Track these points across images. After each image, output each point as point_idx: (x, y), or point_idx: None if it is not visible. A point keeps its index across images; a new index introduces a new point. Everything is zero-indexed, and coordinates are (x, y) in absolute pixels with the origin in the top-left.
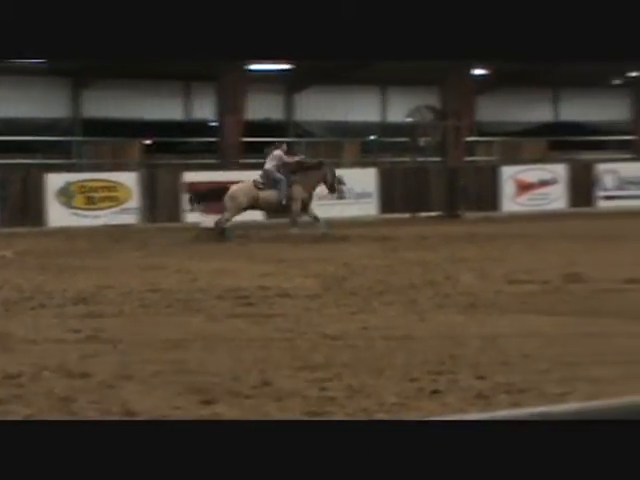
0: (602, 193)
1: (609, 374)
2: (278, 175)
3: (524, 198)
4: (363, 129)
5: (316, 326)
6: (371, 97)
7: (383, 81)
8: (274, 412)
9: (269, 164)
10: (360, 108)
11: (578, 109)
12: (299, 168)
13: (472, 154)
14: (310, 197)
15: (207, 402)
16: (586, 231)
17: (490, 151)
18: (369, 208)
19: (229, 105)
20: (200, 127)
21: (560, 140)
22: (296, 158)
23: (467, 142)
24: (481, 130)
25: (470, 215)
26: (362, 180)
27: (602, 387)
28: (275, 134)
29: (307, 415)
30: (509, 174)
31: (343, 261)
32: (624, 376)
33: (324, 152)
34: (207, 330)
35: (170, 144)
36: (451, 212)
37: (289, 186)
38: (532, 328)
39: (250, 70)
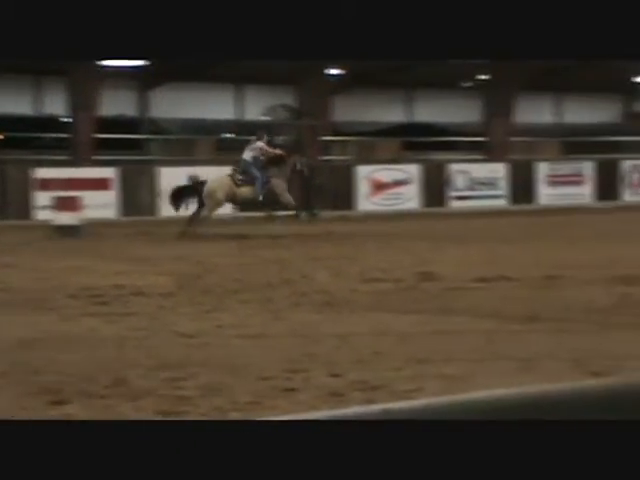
0: (454, 193)
1: (459, 371)
2: (255, 172)
3: (379, 197)
4: (219, 127)
5: (170, 325)
6: (227, 95)
7: (239, 79)
8: (128, 412)
9: (247, 154)
10: (216, 106)
11: (431, 110)
12: (280, 160)
13: (328, 153)
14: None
15: (58, 402)
16: (438, 231)
17: (345, 151)
18: (225, 206)
19: (81, 101)
20: (52, 123)
21: (413, 141)
22: (277, 151)
23: (323, 141)
24: (336, 130)
25: (325, 214)
26: None
27: (452, 384)
28: (129, 131)
29: (161, 414)
30: (364, 174)
31: (198, 259)
32: (474, 373)
33: (179, 149)
34: (59, 329)
35: (21, 139)
36: (307, 211)
37: (267, 182)
38: (385, 326)
39: (102, 66)
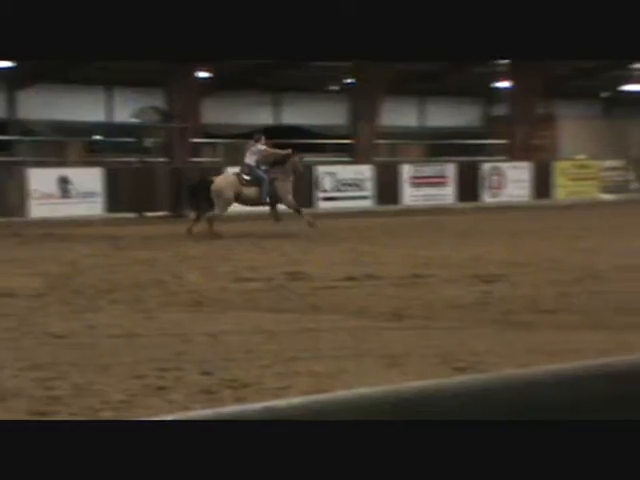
0: (321, 194)
1: (328, 368)
2: (261, 174)
3: None
4: (88, 129)
5: (41, 325)
6: (97, 97)
7: (109, 81)
8: None
9: (250, 159)
10: (85, 107)
11: (298, 113)
12: (282, 160)
13: (197, 155)
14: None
15: None
16: (307, 231)
17: (215, 153)
18: (95, 207)
19: None
20: None
21: (282, 142)
22: (280, 151)
23: (192, 143)
24: (206, 132)
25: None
26: (87, 180)
27: (321, 381)
28: None
29: (32, 415)
30: None
31: (68, 260)
32: (343, 370)
33: (48, 151)
34: None
35: None
36: (176, 212)
37: (271, 184)
38: (255, 325)
39: None
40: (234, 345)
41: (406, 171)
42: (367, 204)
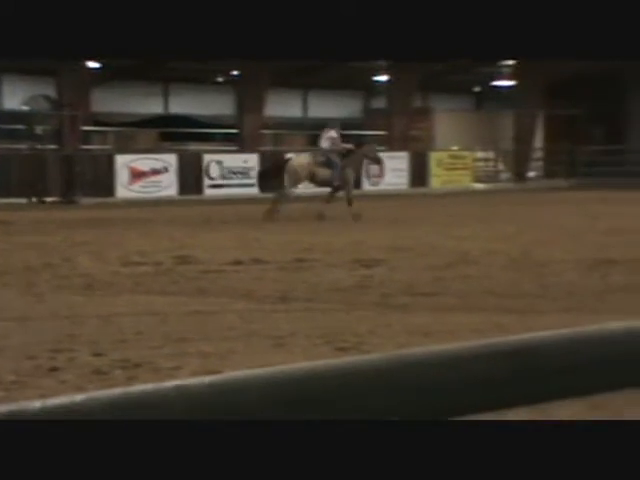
0: (209, 182)
1: (217, 349)
2: (335, 159)
3: (137, 185)
4: None
5: None
6: None
7: None
8: None
9: (325, 143)
10: None
11: (187, 103)
12: (350, 152)
13: (88, 143)
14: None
15: None
16: (195, 217)
17: (106, 140)
18: None
19: None
20: None
21: (171, 132)
22: (346, 145)
23: (83, 131)
24: (97, 120)
25: (86, 201)
26: None
27: (210, 361)
28: None
29: None
30: (123, 162)
31: None
32: (231, 351)
33: None
34: None
35: None
36: (67, 198)
37: (342, 169)
38: (146, 307)
39: None
40: (125, 327)
41: None
42: (253, 191)
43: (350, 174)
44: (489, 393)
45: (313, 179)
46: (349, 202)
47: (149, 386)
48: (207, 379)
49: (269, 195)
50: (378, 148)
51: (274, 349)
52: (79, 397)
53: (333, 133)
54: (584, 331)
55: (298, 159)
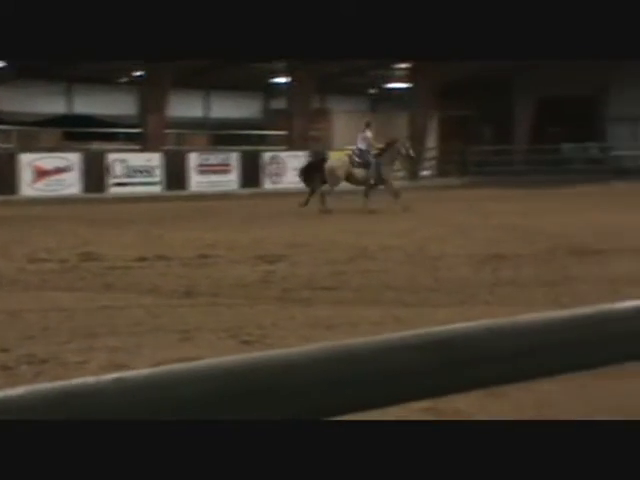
0: (113, 180)
1: (125, 343)
2: (370, 158)
3: (41, 184)
4: None
5: None
6: None
7: None
8: None
9: (361, 144)
10: None
11: (90, 103)
12: (385, 148)
13: None
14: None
15: None
16: (99, 215)
17: (9, 139)
18: None
19: None
20: None
21: (74, 131)
22: (379, 145)
23: None
24: (0, 119)
25: None
26: None
27: (119, 355)
28: None
29: None
30: (27, 161)
31: None
32: (139, 345)
33: None
34: None
35: None
36: None
37: (377, 167)
38: (53, 303)
39: None
40: (32, 323)
41: (193, 159)
42: (156, 190)
43: (388, 171)
44: (409, 384)
45: (349, 179)
46: (395, 195)
47: (90, 379)
48: (145, 371)
49: (175, 193)
50: (279, 148)
51: (181, 343)
52: (17, 391)
53: (368, 133)
54: (499, 323)
55: (334, 161)
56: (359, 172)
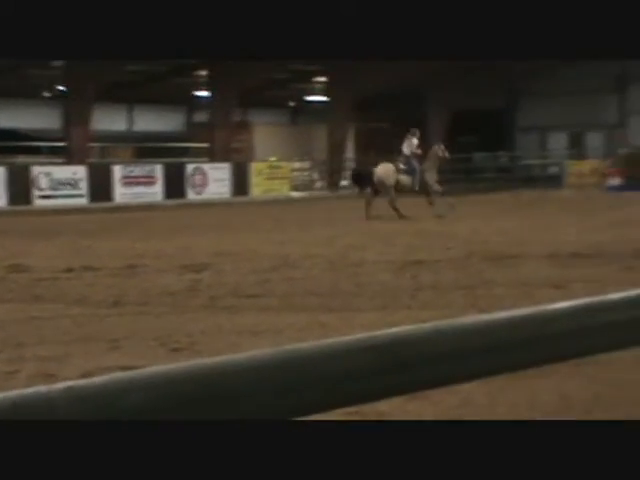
0: (38, 193)
1: (54, 353)
2: (415, 164)
3: None
4: None
5: None
6: None
7: None
8: None
9: (407, 150)
10: None
11: (15, 117)
12: (423, 157)
13: None
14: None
15: None
16: (26, 227)
17: None
18: None
19: None
20: None
21: None
22: (418, 151)
23: None
24: None
25: None
26: None
27: (48, 365)
28: None
29: None
30: None
31: None
32: (68, 354)
33: None
34: None
35: None
36: None
37: (422, 174)
38: None
39: None
40: None
41: (117, 171)
42: (82, 202)
43: (431, 176)
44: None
45: (396, 186)
46: (442, 195)
47: (41, 388)
48: (97, 380)
49: (100, 205)
50: (202, 160)
51: (110, 352)
52: None
53: (415, 140)
54: (444, 324)
55: (382, 170)
56: (405, 179)
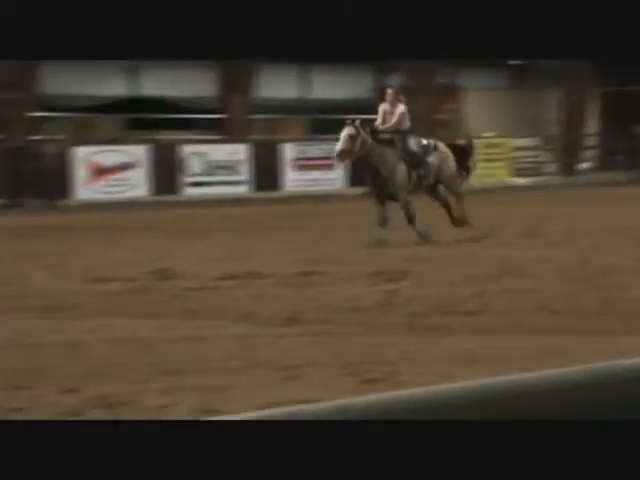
0: (188, 179)
1: (217, 382)
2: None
3: (100, 184)
4: None
5: None
6: None
7: None
8: None
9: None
10: None
11: (159, 83)
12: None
13: (36, 133)
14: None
15: None
16: (173, 222)
17: (58, 129)
18: None
19: None
20: None
21: (139, 118)
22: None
23: (29, 118)
24: (46, 104)
25: (36, 203)
26: None
27: (210, 396)
28: None
29: None
30: (82, 156)
31: None
32: (234, 384)
33: None
34: None
35: None
36: (13, 200)
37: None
38: (122, 333)
39: None
40: (98, 357)
41: (288, 151)
42: (242, 190)
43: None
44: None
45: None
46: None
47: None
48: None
49: (265, 195)
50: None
51: (285, 381)
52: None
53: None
54: None
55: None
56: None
